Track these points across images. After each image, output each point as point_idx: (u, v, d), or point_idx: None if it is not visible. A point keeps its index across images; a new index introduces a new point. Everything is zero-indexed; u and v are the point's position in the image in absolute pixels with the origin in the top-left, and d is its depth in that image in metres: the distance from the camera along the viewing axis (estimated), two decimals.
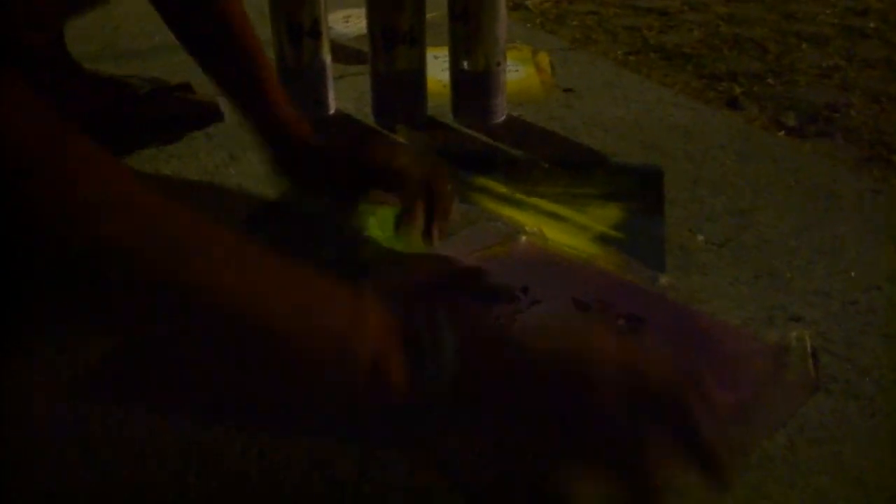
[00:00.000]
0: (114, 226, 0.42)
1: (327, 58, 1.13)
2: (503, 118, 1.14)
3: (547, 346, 0.51)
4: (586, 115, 1.18)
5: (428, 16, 1.09)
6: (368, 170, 0.85)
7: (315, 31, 1.10)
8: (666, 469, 0.49)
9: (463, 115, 1.14)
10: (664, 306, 0.75)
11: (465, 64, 1.10)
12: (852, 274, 0.81)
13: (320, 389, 0.50)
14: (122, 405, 0.64)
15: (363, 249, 0.84)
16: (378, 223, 0.87)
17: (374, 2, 1.06)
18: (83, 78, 1.07)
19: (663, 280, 0.79)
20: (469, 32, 1.08)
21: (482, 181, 0.98)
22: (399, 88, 1.12)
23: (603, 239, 0.86)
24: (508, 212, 0.91)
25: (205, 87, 1.20)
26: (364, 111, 1.17)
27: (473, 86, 1.12)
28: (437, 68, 1.31)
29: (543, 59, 1.38)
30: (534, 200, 0.94)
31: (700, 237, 0.87)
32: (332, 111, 1.16)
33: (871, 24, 2.23)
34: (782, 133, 1.39)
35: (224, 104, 1.10)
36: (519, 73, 1.32)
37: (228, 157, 1.04)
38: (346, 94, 1.22)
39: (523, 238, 0.85)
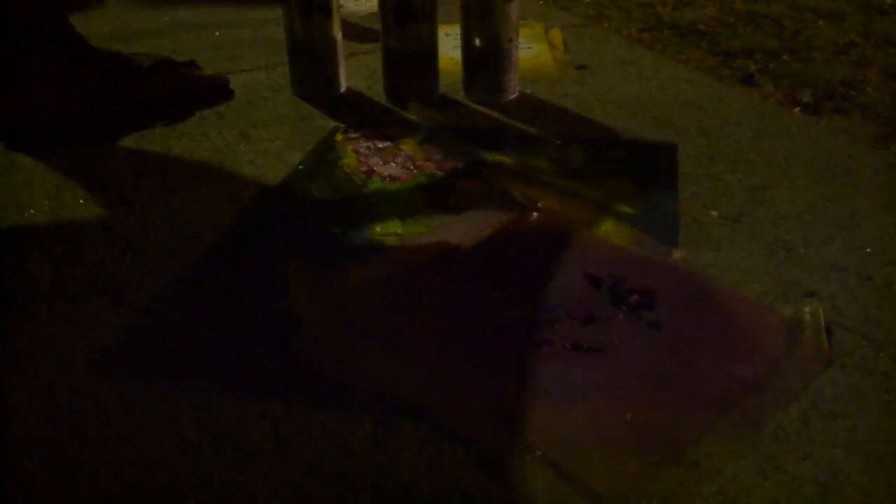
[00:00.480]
0: None
1: (338, 35, 1.12)
2: (515, 95, 1.13)
3: None
4: (599, 92, 1.17)
5: None
6: None
7: (326, 8, 1.09)
8: None
9: (475, 91, 1.13)
10: (678, 279, 0.75)
11: (477, 41, 1.09)
12: (868, 249, 0.81)
13: None
14: (139, 381, 0.65)
15: (369, 227, 0.84)
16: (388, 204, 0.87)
17: None
18: (88, 54, 1.06)
19: (677, 255, 0.78)
20: (482, 8, 1.07)
21: (495, 157, 0.97)
22: (411, 65, 1.11)
23: (616, 214, 0.86)
24: (522, 188, 0.90)
25: (212, 64, 1.20)
26: (375, 89, 1.16)
27: (485, 62, 1.11)
28: (449, 45, 1.30)
29: (556, 36, 1.37)
30: (547, 177, 0.93)
31: (714, 213, 0.86)
32: (343, 89, 1.16)
33: (889, 1, 2.20)
34: (798, 110, 1.38)
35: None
36: (532, 50, 1.31)
37: (239, 135, 1.04)
38: (358, 72, 1.21)
39: (536, 214, 0.84)
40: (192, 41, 1.31)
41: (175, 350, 0.68)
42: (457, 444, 0.59)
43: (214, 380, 0.65)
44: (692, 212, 0.87)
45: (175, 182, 0.92)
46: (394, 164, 0.95)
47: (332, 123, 1.07)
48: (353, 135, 1.03)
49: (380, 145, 1.00)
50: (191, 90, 1.11)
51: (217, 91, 1.12)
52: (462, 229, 0.80)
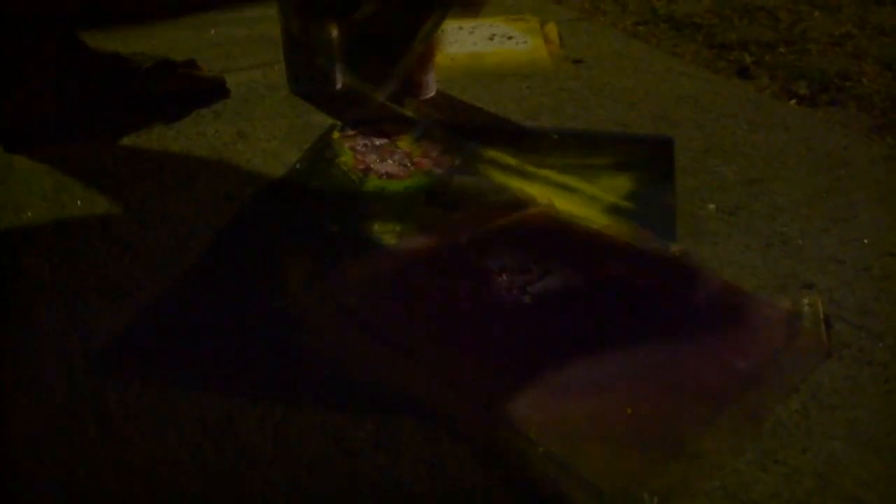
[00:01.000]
0: None
1: (333, 32, 1.12)
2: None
3: None
4: (596, 86, 1.17)
5: None
6: None
7: None
8: None
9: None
10: (677, 273, 0.75)
11: None
12: (865, 241, 0.81)
13: None
14: (139, 381, 0.65)
15: (367, 225, 0.84)
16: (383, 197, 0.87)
17: None
18: (87, 55, 1.06)
19: (674, 249, 0.79)
20: None
21: (492, 153, 0.98)
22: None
23: (614, 209, 0.86)
24: (519, 183, 0.90)
25: (209, 63, 1.20)
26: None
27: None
28: (444, 41, 1.30)
29: (552, 29, 1.37)
30: (544, 172, 0.93)
31: (711, 206, 0.87)
32: (339, 86, 1.16)
33: None
34: (794, 102, 1.38)
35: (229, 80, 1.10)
36: (527, 44, 1.31)
37: (237, 133, 1.04)
38: None
39: (534, 209, 0.84)
40: (188, 39, 1.31)
41: (174, 350, 0.68)
42: (458, 444, 0.59)
43: (214, 380, 0.65)
44: (689, 205, 0.87)
45: (172, 181, 0.92)
46: (391, 162, 0.95)
47: (329, 121, 1.07)
48: (350, 132, 1.03)
49: (377, 142, 1.00)
50: (187, 89, 1.11)
51: (214, 90, 1.12)
52: (459, 226, 0.80)
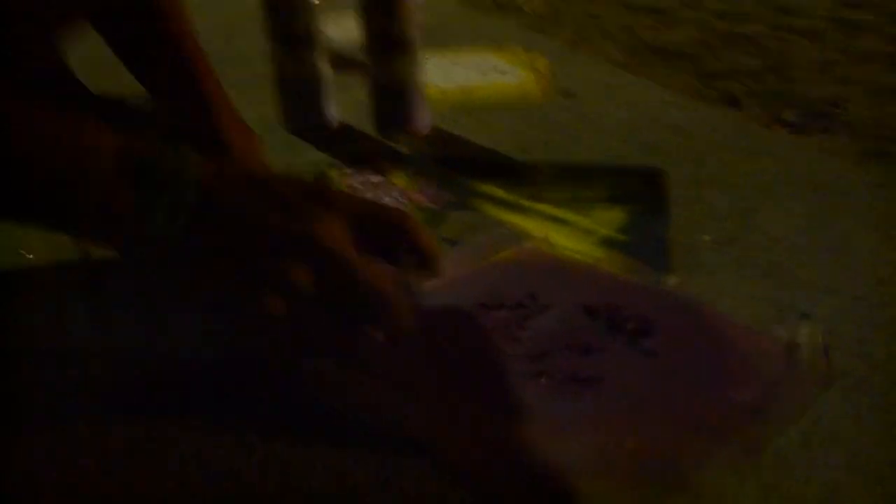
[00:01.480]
0: None
1: (325, 67, 1.13)
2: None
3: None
4: (586, 119, 1.18)
5: (423, 21, 1.09)
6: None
7: (311, 41, 1.10)
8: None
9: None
10: (673, 306, 0.75)
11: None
12: (860, 269, 0.81)
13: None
14: (140, 415, 0.64)
15: None
16: None
17: (367, 9, 1.06)
18: (87, 100, 1.06)
19: (670, 281, 0.79)
20: None
21: (485, 187, 0.98)
22: (397, 96, 1.12)
23: (608, 242, 0.86)
24: (512, 218, 0.91)
25: None
26: (366, 121, 1.17)
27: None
28: (435, 75, 1.31)
29: (541, 62, 1.38)
30: (537, 206, 0.94)
31: (705, 237, 0.87)
32: (333, 122, 1.16)
33: (866, 17, 2.23)
34: (784, 130, 1.40)
35: None
36: (517, 76, 1.33)
37: None
38: (347, 104, 1.21)
39: (528, 244, 0.85)
40: None
41: (177, 387, 0.68)
42: (461, 483, 0.59)
43: (217, 419, 0.64)
44: (683, 237, 0.87)
45: None
46: (388, 199, 0.96)
47: (326, 159, 1.07)
48: (346, 170, 1.03)
49: (373, 180, 1.00)
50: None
51: None
52: (455, 262, 0.80)
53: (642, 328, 0.71)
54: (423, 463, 0.60)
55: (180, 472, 0.60)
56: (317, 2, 1.08)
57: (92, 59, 1.14)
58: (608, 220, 0.91)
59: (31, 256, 0.86)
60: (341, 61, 1.38)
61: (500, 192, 0.97)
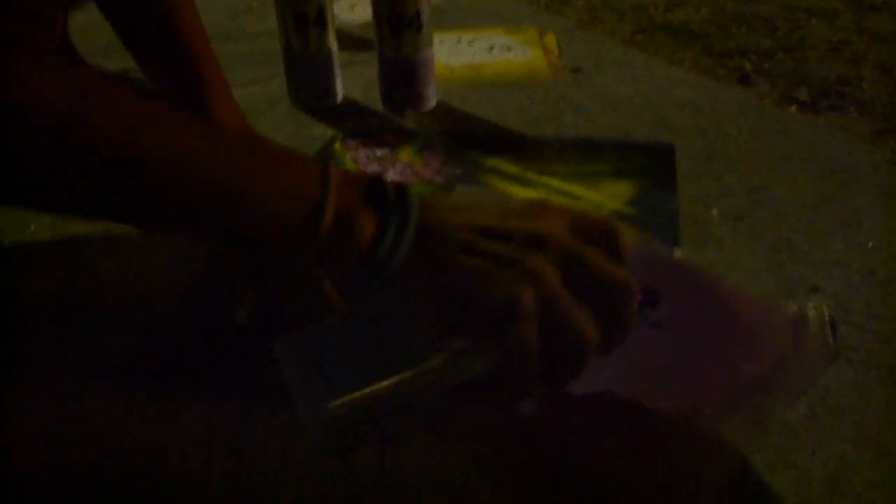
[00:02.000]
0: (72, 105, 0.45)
1: (334, 46, 1.12)
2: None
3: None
4: (595, 95, 1.17)
5: (433, 0, 1.09)
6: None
7: (321, 19, 1.09)
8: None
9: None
10: (682, 277, 0.75)
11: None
12: (870, 245, 0.81)
13: (286, 242, 0.49)
14: (144, 393, 0.65)
15: None
16: None
17: None
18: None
19: (678, 254, 0.78)
20: None
21: (493, 162, 0.98)
22: (406, 73, 1.11)
23: (617, 215, 0.86)
24: (521, 192, 0.90)
25: None
26: (372, 97, 1.16)
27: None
28: (444, 53, 1.31)
29: (550, 40, 1.37)
30: (546, 179, 0.93)
31: (715, 212, 0.87)
32: (340, 99, 1.16)
33: None
34: (795, 108, 1.39)
35: None
36: (526, 54, 1.32)
37: None
38: (354, 82, 1.21)
39: None
40: None
41: (180, 365, 0.68)
42: (465, 447, 0.58)
43: (220, 395, 0.65)
44: (693, 212, 0.87)
45: None
46: (392, 172, 0.96)
47: (331, 133, 1.07)
48: (352, 143, 1.03)
49: (378, 153, 1.00)
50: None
51: None
52: None
53: (650, 300, 0.71)
54: (426, 428, 0.60)
55: (184, 447, 0.60)
56: None
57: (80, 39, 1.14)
58: (617, 193, 0.90)
59: (32, 228, 0.87)
60: (350, 38, 1.38)
61: (507, 166, 0.96)
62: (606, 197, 0.89)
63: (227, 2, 1.64)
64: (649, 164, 0.97)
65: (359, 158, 0.99)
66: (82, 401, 0.64)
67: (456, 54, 1.32)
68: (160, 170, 0.46)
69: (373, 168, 0.96)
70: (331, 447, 0.50)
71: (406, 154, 1.00)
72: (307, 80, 1.14)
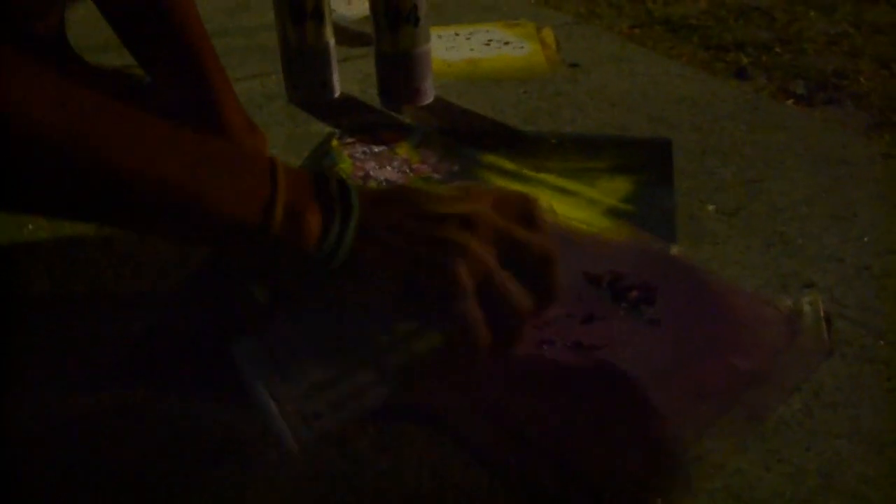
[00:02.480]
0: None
1: (331, 40, 1.12)
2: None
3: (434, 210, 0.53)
4: (593, 90, 1.17)
5: None
6: None
7: (318, 14, 1.09)
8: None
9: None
10: (677, 273, 0.75)
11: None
12: (865, 239, 0.81)
13: (240, 240, 0.51)
14: (140, 391, 0.65)
15: None
16: None
17: None
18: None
19: (675, 250, 0.79)
20: None
21: (490, 158, 0.98)
22: (404, 69, 1.11)
23: (613, 212, 0.86)
24: (517, 188, 0.91)
25: None
26: (370, 92, 1.16)
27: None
28: (441, 48, 1.31)
29: (548, 34, 1.37)
30: (542, 176, 0.94)
31: (710, 207, 0.87)
32: (337, 94, 1.16)
33: None
34: (791, 101, 1.39)
35: None
36: (524, 49, 1.32)
37: None
38: (351, 77, 1.21)
39: None
40: None
41: (175, 363, 0.68)
42: (460, 447, 0.59)
43: (216, 391, 0.65)
44: (689, 207, 0.87)
45: None
46: (389, 168, 0.96)
47: (328, 129, 1.07)
48: (349, 139, 1.03)
49: (375, 149, 1.00)
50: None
51: None
52: None
53: (645, 296, 0.71)
54: (422, 427, 0.60)
55: (180, 444, 0.60)
56: None
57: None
58: (614, 189, 0.90)
59: (30, 226, 0.87)
60: (347, 33, 1.38)
61: (504, 162, 0.97)
62: (603, 193, 0.89)
63: None
64: (646, 159, 0.97)
65: (356, 155, 0.99)
66: (80, 400, 0.64)
67: (453, 49, 1.32)
68: (111, 171, 0.47)
69: (370, 164, 0.97)
70: (297, 439, 0.51)
71: (403, 150, 1.00)
72: (304, 75, 1.14)
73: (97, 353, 0.69)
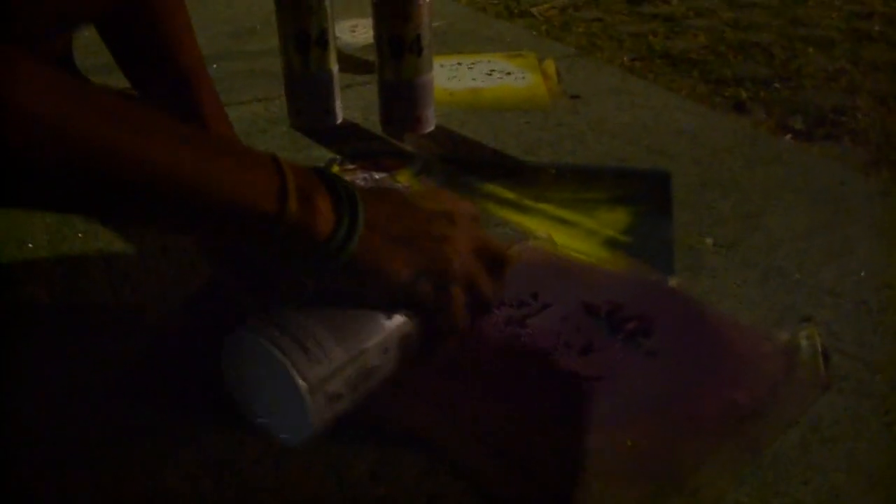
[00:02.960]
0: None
1: (334, 67, 1.13)
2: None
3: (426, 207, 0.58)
4: (593, 121, 1.18)
5: (434, 24, 1.10)
6: None
7: (322, 41, 1.10)
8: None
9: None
10: (675, 306, 0.75)
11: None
12: (862, 274, 0.81)
13: (258, 230, 0.52)
14: (139, 411, 0.65)
15: None
16: None
17: (380, 11, 1.07)
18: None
19: (673, 282, 0.79)
20: None
21: (490, 187, 0.98)
22: (407, 97, 1.12)
23: (612, 243, 0.86)
24: (517, 217, 0.91)
25: None
26: (372, 119, 1.17)
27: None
28: (444, 77, 1.32)
29: (550, 66, 1.39)
30: (542, 206, 0.94)
31: (709, 240, 0.87)
32: (339, 120, 1.17)
33: (877, 28, 2.24)
34: (789, 136, 1.39)
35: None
36: (526, 80, 1.33)
37: None
38: (354, 103, 1.22)
39: (532, 243, 0.85)
40: None
41: (174, 383, 0.68)
42: (457, 477, 0.59)
43: (214, 413, 0.65)
44: (687, 239, 0.87)
45: None
46: None
47: (330, 154, 1.08)
48: (350, 166, 1.03)
49: (376, 176, 1.01)
50: None
51: None
52: None
53: (643, 328, 0.71)
54: (418, 456, 0.60)
55: (178, 466, 0.60)
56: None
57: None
58: (612, 221, 0.91)
59: (30, 245, 0.87)
60: (351, 60, 1.39)
61: (504, 192, 0.97)
62: (602, 224, 0.90)
63: (230, 21, 1.66)
64: (645, 191, 0.98)
65: (357, 181, 1.00)
66: (79, 418, 0.64)
67: (456, 78, 1.34)
68: (130, 169, 0.47)
69: None
70: (320, 420, 0.52)
71: (404, 177, 1.01)
72: (307, 101, 1.15)
73: (96, 372, 0.69)
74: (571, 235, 0.88)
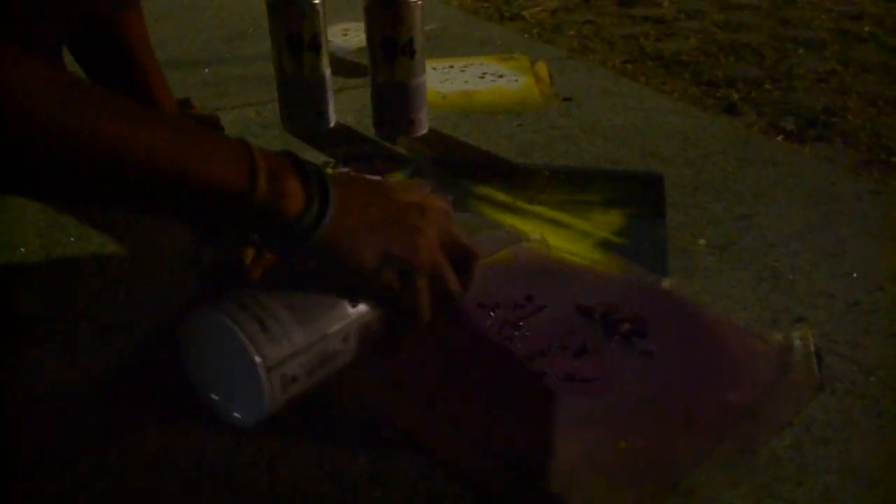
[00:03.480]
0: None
1: (327, 70, 1.13)
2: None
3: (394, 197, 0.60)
4: (585, 124, 1.18)
5: (426, 27, 1.10)
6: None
7: (315, 45, 1.10)
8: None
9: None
10: (668, 307, 0.76)
11: None
12: (854, 275, 0.82)
13: (228, 208, 0.53)
14: (134, 415, 0.65)
15: None
16: None
17: (372, 15, 1.07)
18: None
19: (666, 284, 0.79)
20: None
21: (484, 190, 0.98)
22: (399, 100, 1.12)
23: (605, 245, 0.87)
24: (511, 220, 0.91)
25: (204, 101, 1.21)
26: (364, 123, 1.17)
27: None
28: (436, 80, 1.32)
29: (542, 68, 1.39)
30: (536, 208, 0.94)
31: (702, 241, 0.88)
32: (332, 124, 1.17)
33: (867, 29, 2.25)
34: (781, 137, 1.40)
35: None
36: (518, 82, 1.33)
37: None
38: (347, 107, 1.22)
39: (526, 245, 0.85)
40: (181, 78, 1.32)
41: (169, 386, 0.68)
42: (453, 479, 0.59)
43: (210, 416, 0.65)
44: (681, 241, 0.88)
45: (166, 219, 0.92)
46: None
47: (323, 158, 1.08)
48: (343, 169, 1.03)
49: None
50: None
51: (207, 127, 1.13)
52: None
53: (637, 329, 0.72)
54: (414, 458, 0.60)
55: (174, 468, 0.60)
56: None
57: None
58: (606, 222, 0.91)
59: (23, 250, 0.87)
60: (343, 64, 1.39)
61: (498, 194, 0.97)
62: (596, 226, 0.90)
63: (222, 25, 1.66)
64: (639, 193, 0.98)
65: None
66: (71, 424, 0.64)
67: (448, 81, 1.34)
68: (101, 150, 0.48)
69: None
70: (273, 400, 0.52)
71: (397, 180, 1.01)
72: (300, 104, 1.15)
73: (91, 375, 0.69)
74: (565, 237, 0.88)
